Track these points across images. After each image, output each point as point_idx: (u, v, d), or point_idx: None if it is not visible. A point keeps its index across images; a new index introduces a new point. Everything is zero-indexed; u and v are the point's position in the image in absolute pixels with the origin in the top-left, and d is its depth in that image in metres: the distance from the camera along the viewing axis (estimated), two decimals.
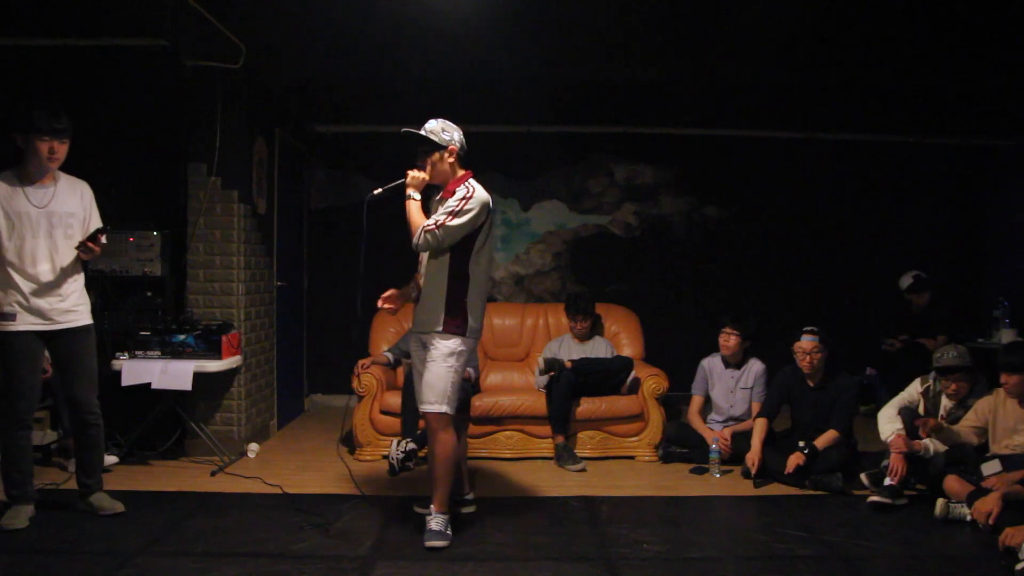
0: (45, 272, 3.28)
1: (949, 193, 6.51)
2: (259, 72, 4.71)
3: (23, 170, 3.29)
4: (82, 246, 3.30)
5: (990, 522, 3.20)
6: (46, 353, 3.40)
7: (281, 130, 5.45)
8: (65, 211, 3.34)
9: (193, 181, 4.61)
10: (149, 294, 4.63)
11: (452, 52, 4.58)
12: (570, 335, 5.17)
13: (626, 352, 5.20)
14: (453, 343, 3.17)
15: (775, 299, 6.32)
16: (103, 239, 3.31)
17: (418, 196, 3.21)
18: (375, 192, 3.24)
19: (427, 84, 5.21)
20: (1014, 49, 4.44)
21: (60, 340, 3.34)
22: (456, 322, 3.18)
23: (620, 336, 5.36)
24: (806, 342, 4.24)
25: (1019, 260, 6.16)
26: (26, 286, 3.25)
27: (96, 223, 3.44)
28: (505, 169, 6.26)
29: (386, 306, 3.31)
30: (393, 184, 3.25)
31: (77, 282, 3.41)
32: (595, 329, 5.25)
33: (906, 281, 5.76)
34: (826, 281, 6.37)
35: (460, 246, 3.16)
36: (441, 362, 3.15)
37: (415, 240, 3.13)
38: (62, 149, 3.29)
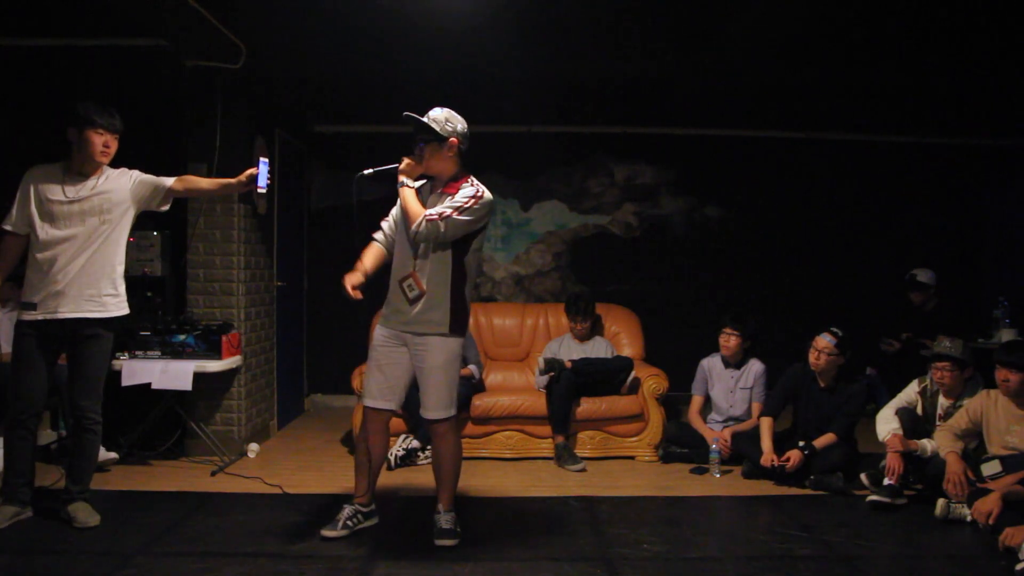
0: (65, 261, 3.23)
1: (949, 193, 6.51)
2: (259, 72, 4.70)
3: (70, 163, 3.30)
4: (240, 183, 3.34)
5: (990, 522, 3.20)
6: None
7: (281, 130, 5.45)
8: (103, 202, 3.30)
9: None
10: (149, 294, 4.64)
11: (452, 52, 4.57)
12: (570, 335, 5.17)
13: (626, 352, 5.20)
14: (457, 345, 3.16)
15: (775, 299, 6.32)
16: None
17: (412, 184, 3.10)
18: (366, 172, 3.15)
19: (427, 84, 5.20)
20: (1014, 49, 4.44)
21: (73, 338, 3.28)
22: (460, 323, 3.15)
23: (620, 336, 5.36)
24: (822, 340, 4.23)
25: (1019, 260, 6.16)
26: (52, 277, 3.21)
27: (157, 181, 3.40)
28: (505, 169, 6.26)
29: (356, 295, 3.21)
30: (386, 167, 3.16)
31: (105, 276, 3.32)
32: (595, 329, 5.25)
33: (922, 275, 5.63)
34: (826, 281, 6.37)
35: (461, 243, 3.11)
36: (449, 368, 3.13)
37: (414, 228, 3.00)
38: (114, 144, 3.31)
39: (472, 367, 4.80)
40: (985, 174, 6.49)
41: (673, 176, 6.46)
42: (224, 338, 4.35)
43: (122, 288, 3.42)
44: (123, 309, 3.41)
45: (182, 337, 4.35)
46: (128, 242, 4.49)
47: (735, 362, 4.73)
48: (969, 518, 3.42)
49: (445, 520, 3.20)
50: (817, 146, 6.37)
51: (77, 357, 3.33)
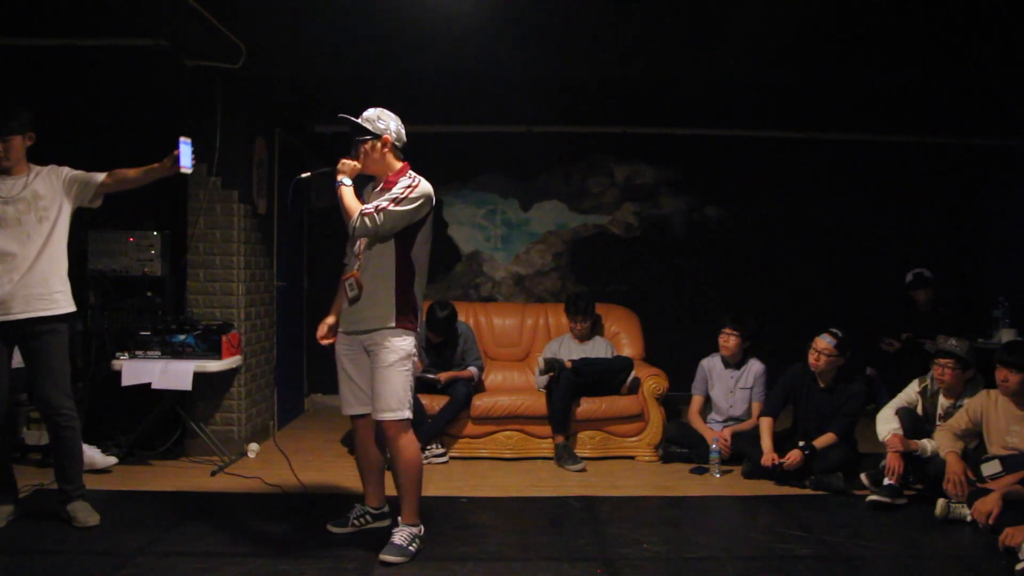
0: (11, 261, 3.16)
1: (949, 193, 6.51)
2: (259, 72, 4.70)
3: None
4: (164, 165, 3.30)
5: (990, 522, 3.20)
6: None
7: (281, 130, 5.45)
8: (34, 200, 3.22)
9: (193, 181, 4.60)
10: (149, 294, 4.63)
11: (452, 52, 4.57)
12: (570, 335, 5.17)
13: (626, 352, 5.21)
14: (407, 343, 3.03)
15: (775, 299, 6.32)
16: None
17: (349, 182, 3.10)
18: (303, 175, 3.19)
19: (427, 84, 5.20)
20: (1013, 49, 4.44)
21: (26, 335, 3.20)
22: (408, 317, 3.04)
23: (620, 336, 5.36)
24: (821, 341, 4.23)
25: (1019, 260, 6.16)
26: None
27: (88, 177, 3.34)
28: (505, 169, 6.23)
29: (326, 341, 3.24)
30: (323, 169, 3.16)
31: (54, 274, 3.26)
32: (595, 329, 5.25)
33: (908, 277, 5.76)
34: (826, 281, 6.37)
35: (404, 236, 3.05)
36: (398, 366, 2.99)
37: (352, 223, 2.97)
38: (8, 147, 3.18)
39: (473, 369, 4.80)
40: (985, 174, 6.49)
41: (673, 176, 6.46)
42: (224, 338, 4.35)
43: (68, 286, 3.34)
44: (72, 306, 3.33)
45: (182, 337, 4.35)
46: (128, 242, 4.54)
47: (735, 362, 4.73)
48: (969, 518, 3.41)
49: (400, 535, 3.00)
50: (817, 146, 6.37)
51: (37, 353, 3.23)
